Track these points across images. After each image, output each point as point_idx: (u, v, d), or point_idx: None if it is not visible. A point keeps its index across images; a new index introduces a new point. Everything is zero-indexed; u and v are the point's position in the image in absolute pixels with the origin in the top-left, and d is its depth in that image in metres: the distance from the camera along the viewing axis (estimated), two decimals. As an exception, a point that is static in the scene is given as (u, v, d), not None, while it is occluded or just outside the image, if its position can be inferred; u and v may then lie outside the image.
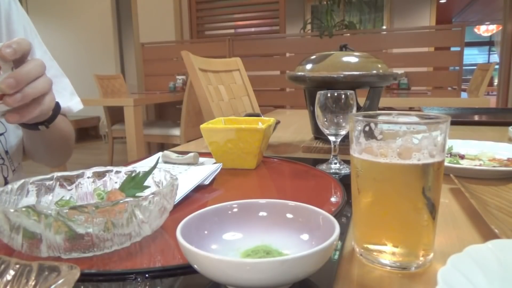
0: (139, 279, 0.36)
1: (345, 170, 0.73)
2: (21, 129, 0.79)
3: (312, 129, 0.99)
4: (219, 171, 0.68)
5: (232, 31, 4.81)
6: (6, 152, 0.75)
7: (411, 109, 2.49)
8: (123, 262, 0.39)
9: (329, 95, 0.70)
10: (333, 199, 0.57)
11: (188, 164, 0.73)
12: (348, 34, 3.98)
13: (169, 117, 4.21)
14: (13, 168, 0.77)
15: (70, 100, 0.81)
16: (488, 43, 10.93)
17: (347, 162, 0.64)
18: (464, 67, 3.40)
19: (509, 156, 0.78)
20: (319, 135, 0.96)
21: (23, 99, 0.50)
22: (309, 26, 4.57)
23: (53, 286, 0.28)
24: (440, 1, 7.36)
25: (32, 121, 0.60)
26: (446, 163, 0.47)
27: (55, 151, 0.81)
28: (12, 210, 0.36)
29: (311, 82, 0.88)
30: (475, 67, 3.78)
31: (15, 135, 0.77)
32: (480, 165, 0.73)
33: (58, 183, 0.50)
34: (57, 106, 0.65)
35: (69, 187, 0.50)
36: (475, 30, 10.25)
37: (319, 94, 0.71)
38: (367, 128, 0.38)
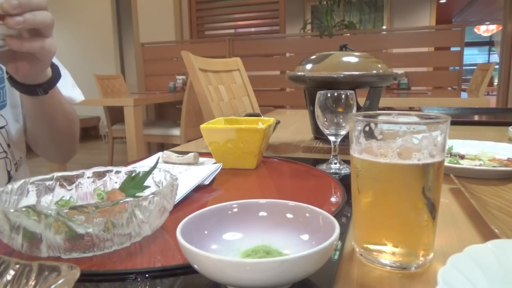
0: (139, 279, 0.36)
1: (345, 170, 0.73)
2: (21, 121, 0.79)
3: (312, 129, 0.99)
4: (219, 171, 0.68)
5: (232, 31, 4.81)
6: (8, 145, 0.74)
7: (411, 109, 2.49)
8: (123, 262, 0.39)
9: (329, 95, 0.70)
10: (333, 199, 0.57)
11: (188, 164, 0.73)
12: (348, 34, 3.98)
13: (169, 117, 4.20)
14: (15, 161, 0.76)
15: (72, 91, 0.82)
16: (488, 43, 10.93)
17: (347, 162, 0.64)
18: (464, 67, 3.39)
19: (509, 156, 0.78)
20: (319, 135, 0.96)
21: (24, 23, 0.50)
22: (309, 26, 4.56)
23: (53, 286, 0.28)
24: (440, 1, 7.36)
25: (32, 78, 0.60)
26: (446, 163, 0.47)
27: (60, 135, 0.78)
28: (12, 210, 0.36)
29: (311, 82, 0.88)
30: (475, 67, 3.78)
31: (15, 127, 0.77)
32: (480, 165, 0.73)
33: (58, 183, 0.50)
34: (57, 70, 0.66)
35: (69, 187, 0.50)
36: (475, 30, 10.25)
37: (319, 94, 0.71)
38: (367, 128, 0.38)
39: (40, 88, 0.63)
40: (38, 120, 0.73)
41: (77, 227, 0.37)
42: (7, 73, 0.62)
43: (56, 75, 0.66)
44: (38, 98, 0.64)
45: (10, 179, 0.74)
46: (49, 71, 0.64)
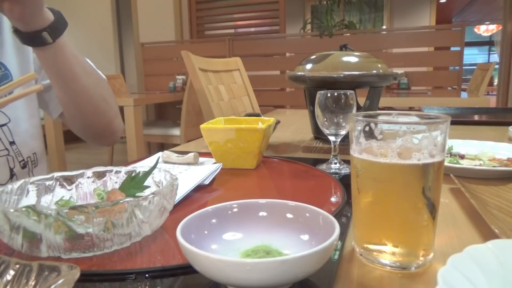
0: (139, 279, 0.36)
1: (345, 170, 0.73)
2: (37, 114, 0.78)
3: (312, 129, 0.99)
4: (219, 171, 0.68)
5: (232, 31, 4.81)
6: (12, 142, 0.73)
7: (411, 109, 2.49)
8: (123, 262, 0.39)
9: (329, 95, 0.70)
10: (333, 199, 0.57)
11: (188, 164, 0.73)
12: (348, 34, 3.98)
13: (169, 117, 4.21)
14: (22, 158, 0.75)
15: (96, 69, 0.83)
16: (488, 43, 10.93)
17: (347, 162, 0.64)
18: (464, 67, 3.40)
19: (509, 156, 0.78)
20: (319, 135, 0.96)
21: None
22: (309, 26, 4.57)
23: (53, 286, 0.28)
24: (440, 1, 7.36)
25: (30, 19, 0.60)
26: (446, 163, 0.47)
27: (87, 97, 0.75)
28: (12, 210, 0.36)
29: (311, 82, 0.88)
30: (475, 67, 3.78)
31: (30, 123, 0.76)
32: (480, 165, 0.73)
33: (58, 183, 0.50)
34: (60, 17, 0.67)
35: (69, 187, 0.50)
36: (475, 30, 10.25)
37: (319, 94, 0.71)
38: (367, 128, 0.38)
39: (44, 33, 0.63)
40: (59, 77, 0.71)
41: (77, 227, 0.37)
42: (12, 27, 0.62)
43: (60, 21, 0.66)
44: (49, 50, 0.65)
45: (13, 176, 0.73)
46: (49, 15, 0.64)
